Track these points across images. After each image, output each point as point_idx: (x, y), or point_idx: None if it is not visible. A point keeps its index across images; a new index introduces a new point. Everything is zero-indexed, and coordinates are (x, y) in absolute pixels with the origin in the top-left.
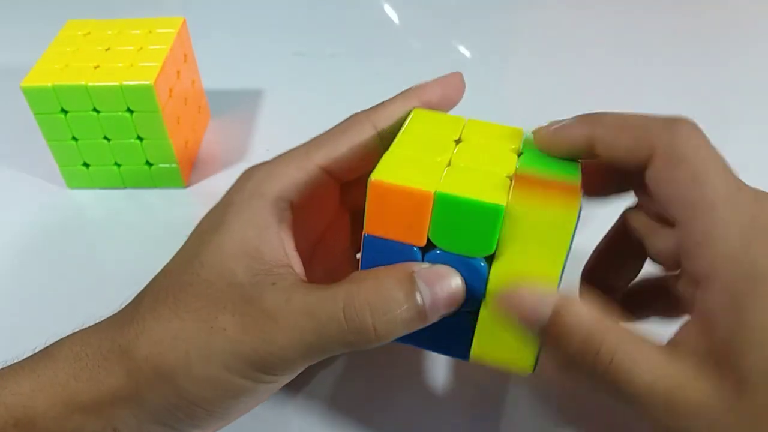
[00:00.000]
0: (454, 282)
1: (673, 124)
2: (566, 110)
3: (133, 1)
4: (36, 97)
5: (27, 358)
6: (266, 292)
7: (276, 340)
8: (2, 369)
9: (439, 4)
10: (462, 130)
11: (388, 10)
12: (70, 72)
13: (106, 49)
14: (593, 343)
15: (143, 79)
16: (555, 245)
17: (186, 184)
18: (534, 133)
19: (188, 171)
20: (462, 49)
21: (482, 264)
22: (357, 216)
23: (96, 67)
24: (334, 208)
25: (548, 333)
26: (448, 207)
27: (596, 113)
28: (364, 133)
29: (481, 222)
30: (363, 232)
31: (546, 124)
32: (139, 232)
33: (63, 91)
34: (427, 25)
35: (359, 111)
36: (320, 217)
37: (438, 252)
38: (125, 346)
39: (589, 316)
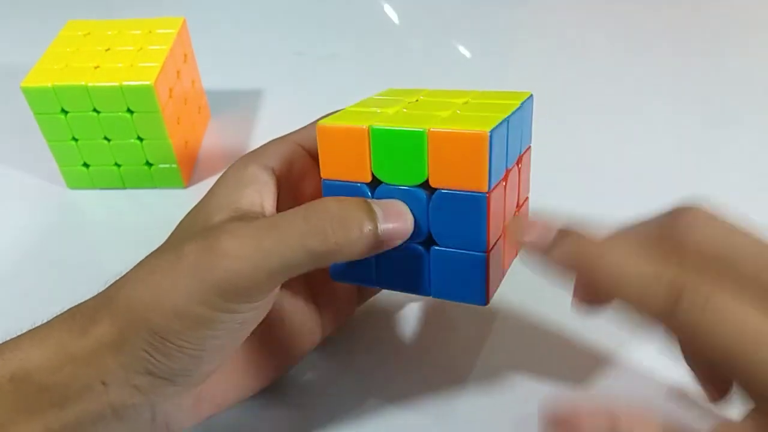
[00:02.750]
0: (403, 208)
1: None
2: (566, 110)
3: (133, 1)
4: (36, 97)
5: None
6: (231, 222)
7: (233, 253)
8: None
9: (439, 4)
10: (422, 95)
11: (388, 10)
12: (70, 72)
13: (106, 49)
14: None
15: (143, 79)
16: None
17: (186, 184)
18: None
19: (188, 171)
20: (462, 49)
21: (422, 193)
22: None
23: (96, 68)
24: (317, 190)
25: None
26: (381, 139)
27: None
28: None
29: (410, 149)
30: (321, 178)
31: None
32: (139, 232)
33: (63, 92)
34: (427, 25)
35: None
36: (305, 191)
37: (384, 187)
38: (110, 295)
39: None
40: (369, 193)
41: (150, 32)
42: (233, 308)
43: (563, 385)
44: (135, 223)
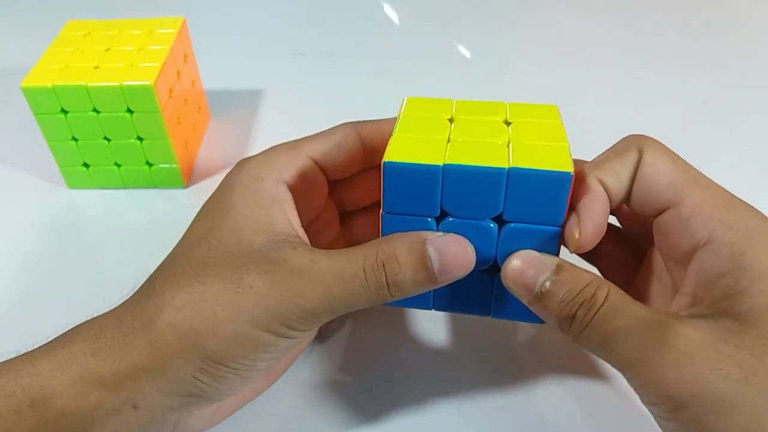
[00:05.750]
0: (463, 248)
1: (641, 137)
2: (566, 110)
3: (133, 1)
4: (36, 97)
5: (43, 344)
6: (289, 254)
7: (304, 294)
8: (17, 356)
9: (439, 4)
10: (452, 110)
11: (388, 10)
12: (70, 72)
13: (106, 49)
14: (591, 288)
15: (143, 79)
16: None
17: (186, 184)
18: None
19: (188, 171)
20: (462, 49)
21: (492, 225)
22: (344, 215)
23: (96, 68)
24: (323, 200)
25: (548, 290)
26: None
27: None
28: (349, 137)
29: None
30: (380, 212)
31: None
32: (139, 232)
33: (63, 91)
34: (427, 25)
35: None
36: (311, 205)
37: (451, 219)
38: (147, 320)
39: (585, 272)
40: (435, 227)
41: (150, 32)
42: (294, 335)
43: (579, 383)
44: (135, 223)
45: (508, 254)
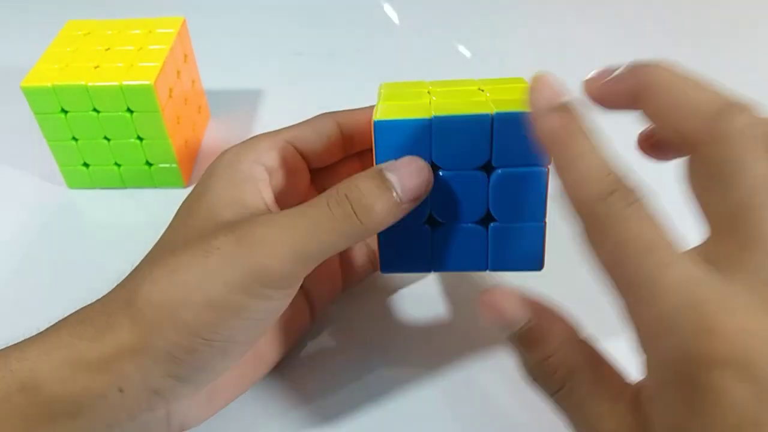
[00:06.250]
0: (416, 163)
1: (726, 119)
2: None
3: (133, 1)
4: (36, 97)
5: (34, 334)
6: (256, 216)
7: (273, 241)
8: (9, 345)
9: (439, 4)
10: (429, 86)
11: (388, 10)
12: (70, 72)
13: (106, 49)
14: (557, 382)
15: (143, 79)
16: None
17: (186, 184)
18: (584, 83)
19: (188, 171)
20: (462, 49)
21: (484, 176)
22: None
23: (96, 67)
24: (304, 186)
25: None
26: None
27: (649, 69)
28: (328, 125)
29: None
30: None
31: (594, 72)
32: (139, 232)
33: (63, 91)
34: (427, 25)
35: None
36: (292, 190)
37: (441, 173)
38: (127, 298)
39: (558, 357)
40: None
41: (150, 32)
42: (268, 294)
43: None
44: (135, 223)
45: (499, 201)
